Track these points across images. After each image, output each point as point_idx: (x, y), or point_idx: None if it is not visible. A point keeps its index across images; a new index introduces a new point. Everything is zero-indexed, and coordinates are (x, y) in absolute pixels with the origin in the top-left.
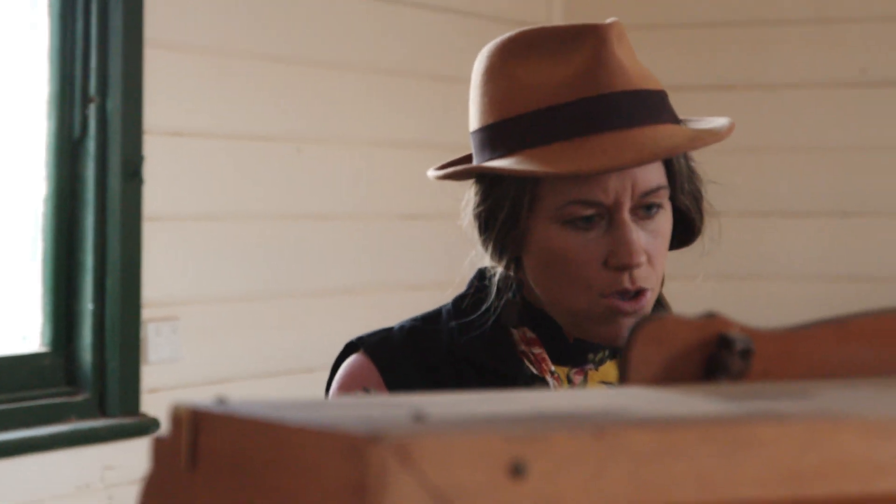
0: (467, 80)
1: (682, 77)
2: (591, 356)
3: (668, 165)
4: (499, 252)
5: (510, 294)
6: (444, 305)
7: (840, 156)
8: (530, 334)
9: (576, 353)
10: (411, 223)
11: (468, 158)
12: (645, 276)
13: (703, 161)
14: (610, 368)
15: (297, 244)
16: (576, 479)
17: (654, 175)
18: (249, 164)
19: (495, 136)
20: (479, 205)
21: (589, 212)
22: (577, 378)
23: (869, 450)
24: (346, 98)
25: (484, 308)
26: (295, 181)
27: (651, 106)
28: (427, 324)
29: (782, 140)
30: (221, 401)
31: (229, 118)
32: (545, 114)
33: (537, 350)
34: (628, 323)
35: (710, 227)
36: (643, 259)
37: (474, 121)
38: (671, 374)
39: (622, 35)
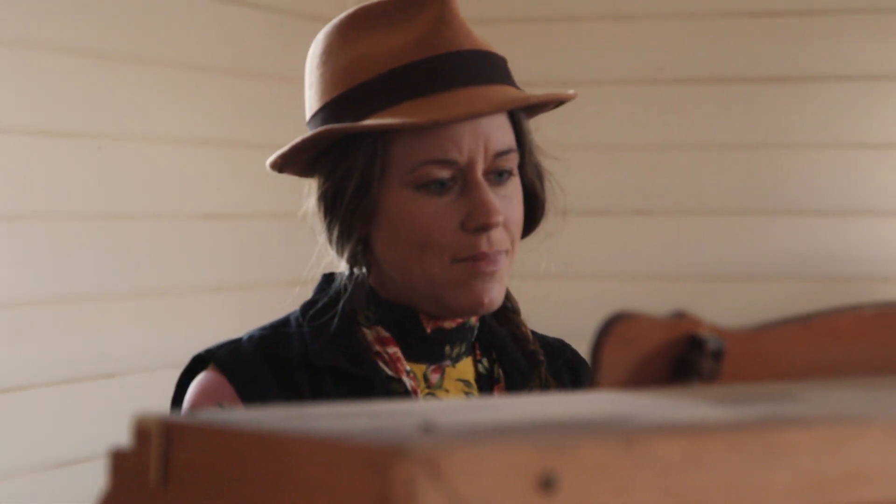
0: (273, 77)
1: None
2: (447, 350)
3: (517, 131)
4: (347, 231)
5: (358, 276)
6: (292, 313)
7: (637, 154)
8: (384, 333)
9: (433, 347)
10: (215, 223)
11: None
12: (501, 239)
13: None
14: (466, 366)
15: (98, 244)
16: (606, 492)
17: (505, 136)
18: (47, 161)
19: (340, 107)
20: (324, 182)
21: (444, 173)
22: (435, 376)
23: (891, 452)
24: (149, 94)
25: (334, 312)
26: (95, 179)
27: (498, 67)
28: (276, 331)
29: (579, 137)
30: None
31: (26, 113)
32: (392, 75)
33: (391, 349)
34: (487, 287)
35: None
36: (501, 219)
37: (315, 102)
38: (641, 375)
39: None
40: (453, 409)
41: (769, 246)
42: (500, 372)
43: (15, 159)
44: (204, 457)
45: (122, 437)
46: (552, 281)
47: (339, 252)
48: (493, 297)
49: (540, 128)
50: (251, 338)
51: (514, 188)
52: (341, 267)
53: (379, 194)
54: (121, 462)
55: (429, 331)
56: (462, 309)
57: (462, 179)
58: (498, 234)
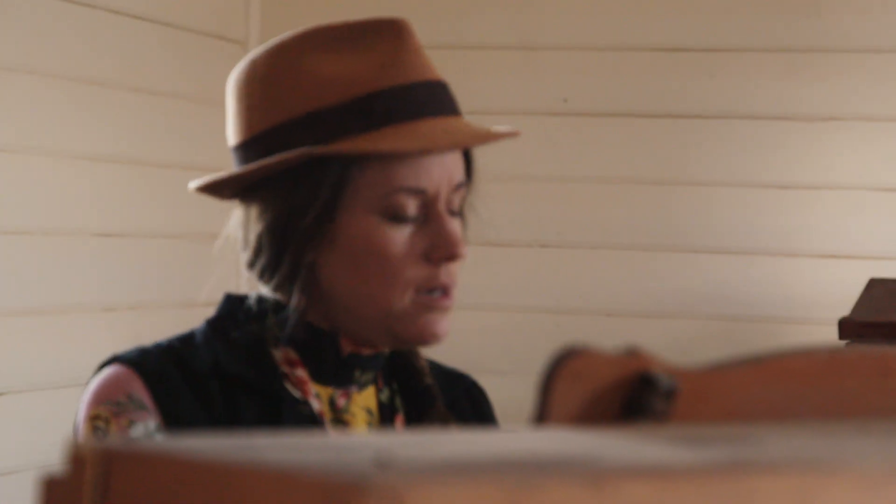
0: (173, 95)
1: None
2: (357, 373)
3: (468, 167)
4: (295, 258)
5: (275, 314)
6: (197, 328)
7: (540, 186)
8: (293, 355)
9: (343, 371)
10: (112, 241)
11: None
12: (455, 272)
13: None
14: (370, 395)
15: None
16: None
17: (461, 170)
18: None
19: (300, 129)
20: (275, 207)
21: (414, 202)
22: (342, 401)
23: (862, 502)
24: (45, 108)
25: (246, 330)
26: None
27: (453, 99)
28: (183, 342)
29: (482, 167)
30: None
31: None
32: (363, 100)
33: (299, 372)
34: (441, 321)
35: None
36: (465, 251)
37: (258, 122)
38: (591, 412)
39: (412, 29)
40: (408, 443)
41: (668, 283)
42: (401, 402)
43: None
44: (145, 487)
45: (12, 457)
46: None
47: (269, 277)
48: (446, 330)
49: None
50: (159, 345)
51: (460, 227)
52: (262, 290)
53: (342, 219)
54: (53, 491)
55: (345, 354)
56: (413, 341)
57: (425, 210)
58: (454, 267)
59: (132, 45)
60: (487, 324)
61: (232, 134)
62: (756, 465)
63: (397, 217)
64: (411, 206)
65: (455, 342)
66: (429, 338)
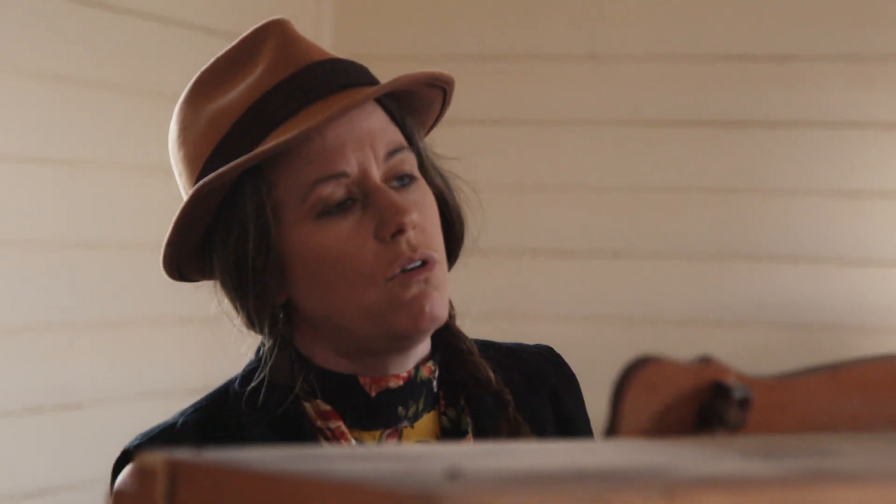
0: None
1: (452, 110)
2: (401, 411)
3: (405, 133)
4: (262, 300)
5: (278, 345)
6: (232, 381)
7: (611, 195)
8: (324, 406)
9: (382, 412)
10: None
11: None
12: (422, 241)
13: (468, 199)
14: (428, 423)
15: (67, 273)
16: None
17: (393, 135)
18: (16, 187)
19: (210, 168)
20: (222, 255)
21: (339, 190)
22: (391, 441)
23: None
24: (121, 122)
25: (272, 387)
26: (65, 207)
27: (359, 71)
28: (212, 410)
29: (552, 178)
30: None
31: None
32: (249, 113)
33: (334, 424)
34: (425, 294)
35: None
36: (414, 216)
37: (187, 184)
38: (664, 422)
39: (290, 25)
40: (479, 454)
41: (741, 291)
42: (470, 421)
43: None
44: (213, 499)
45: (88, 468)
46: (525, 321)
47: (259, 328)
48: (434, 304)
49: (514, 167)
50: (185, 425)
51: (422, 192)
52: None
53: (280, 241)
54: (123, 502)
55: (373, 395)
56: (407, 327)
57: (361, 192)
58: (417, 237)
59: (205, 57)
60: (560, 334)
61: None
62: (832, 477)
63: (327, 210)
64: (338, 193)
65: None
66: (419, 317)
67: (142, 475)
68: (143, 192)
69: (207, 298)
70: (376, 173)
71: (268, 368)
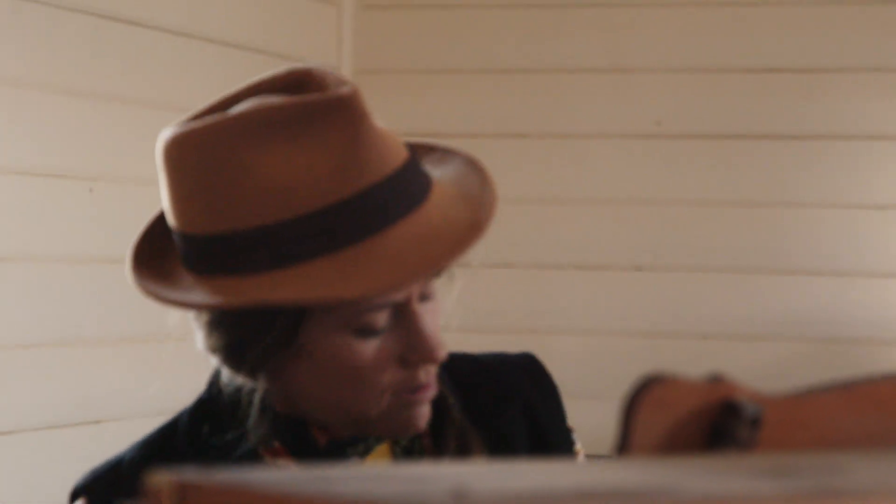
0: None
1: (476, 124)
2: (349, 451)
3: None
4: (251, 374)
5: (257, 395)
6: (181, 415)
7: (635, 209)
8: (276, 444)
9: (331, 457)
10: None
11: (159, 239)
12: (435, 367)
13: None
14: (381, 453)
15: (87, 288)
16: None
17: None
18: (37, 202)
19: (242, 247)
20: (222, 335)
21: (383, 317)
22: None
23: None
24: (142, 136)
25: (230, 435)
26: (85, 221)
27: (418, 175)
28: (159, 446)
29: (576, 191)
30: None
31: (17, 153)
32: (311, 219)
33: (282, 462)
34: (422, 412)
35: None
36: (445, 353)
37: (195, 220)
38: (674, 441)
39: (365, 101)
40: (486, 474)
41: (768, 305)
42: (428, 442)
43: (4, 200)
44: None
45: None
46: (549, 336)
47: (234, 374)
48: (426, 418)
49: (538, 181)
50: (131, 461)
51: (439, 302)
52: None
53: (307, 335)
54: None
55: (322, 443)
56: (393, 434)
57: (396, 312)
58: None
59: (229, 73)
60: (583, 348)
61: (166, 211)
62: (844, 495)
63: (368, 332)
64: (381, 321)
65: (550, 366)
66: (409, 431)
67: (149, 496)
68: (154, 210)
69: None
70: (416, 295)
71: (219, 405)
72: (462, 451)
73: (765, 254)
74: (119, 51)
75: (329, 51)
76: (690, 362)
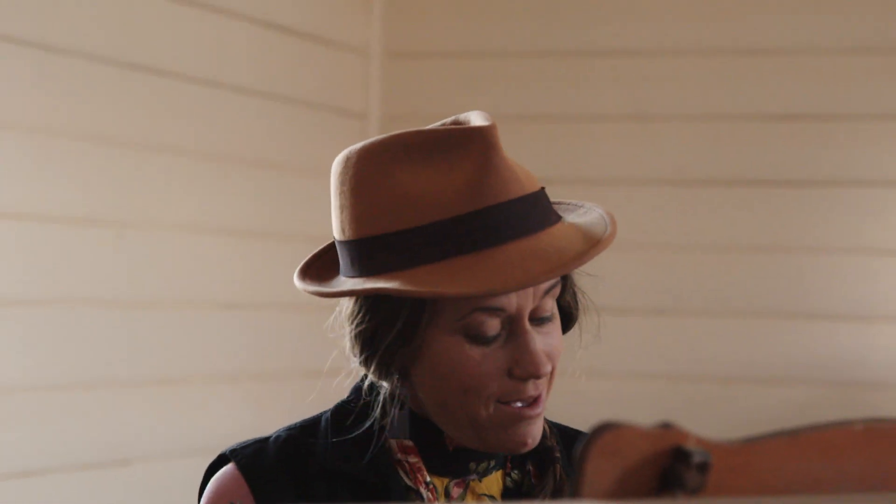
0: (294, 169)
1: None
2: (472, 465)
3: None
4: (384, 368)
5: (398, 409)
6: (325, 413)
7: (657, 254)
8: (408, 443)
9: (456, 463)
10: (234, 313)
11: (329, 258)
12: (544, 382)
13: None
14: (494, 481)
15: (116, 331)
16: None
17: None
18: (67, 247)
19: (382, 248)
20: (360, 322)
21: (493, 322)
22: (457, 490)
23: None
24: (170, 182)
25: (367, 424)
26: (115, 266)
27: (541, 208)
28: (304, 434)
29: None
30: None
31: (47, 199)
32: (440, 227)
33: (413, 459)
34: (531, 429)
35: (588, 322)
36: (549, 369)
37: (347, 229)
38: (625, 487)
39: (497, 136)
40: None
41: (788, 349)
42: (536, 482)
43: (35, 245)
44: None
45: None
46: (570, 378)
47: (366, 370)
48: (536, 437)
49: None
50: (278, 438)
51: (556, 330)
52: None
53: (423, 339)
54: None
55: (451, 449)
56: (503, 449)
57: (509, 325)
58: (543, 379)
59: (257, 121)
60: (604, 390)
61: (333, 224)
62: None
63: (478, 337)
64: (492, 326)
65: (571, 409)
66: (519, 447)
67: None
68: (192, 252)
69: (257, 356)
70: (529, 309)
71: (360, 403)
72: (555, 497)
73: (784, 298)
74: (148, 100)
75: (356, 99)
76: (711, 406)
